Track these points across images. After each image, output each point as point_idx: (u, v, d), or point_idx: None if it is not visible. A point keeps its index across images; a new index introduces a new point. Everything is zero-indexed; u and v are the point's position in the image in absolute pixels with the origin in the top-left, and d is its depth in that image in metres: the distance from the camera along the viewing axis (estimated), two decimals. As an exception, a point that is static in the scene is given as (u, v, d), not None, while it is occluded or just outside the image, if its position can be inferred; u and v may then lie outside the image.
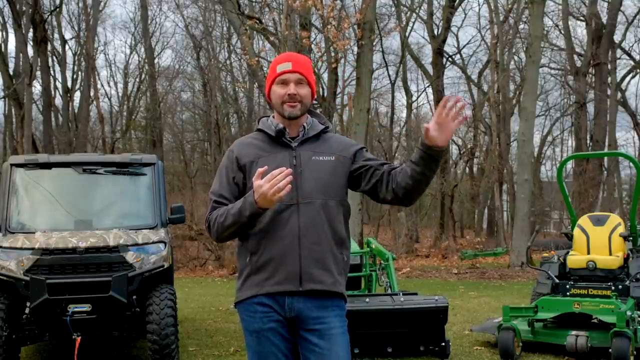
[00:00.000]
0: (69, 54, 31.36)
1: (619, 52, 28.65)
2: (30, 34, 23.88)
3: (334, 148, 2.80)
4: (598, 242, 7.52)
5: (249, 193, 2.58)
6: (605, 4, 27.48)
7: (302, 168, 2.71)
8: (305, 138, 2.78)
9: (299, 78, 2.73)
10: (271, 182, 2.47)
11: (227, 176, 2.76)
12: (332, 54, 21.61)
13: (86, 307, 5.87)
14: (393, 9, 29.69)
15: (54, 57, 29.67)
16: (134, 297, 6.15)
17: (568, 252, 7.62)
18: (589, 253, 7.50)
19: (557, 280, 7.35)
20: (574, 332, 6.40)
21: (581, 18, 28.83)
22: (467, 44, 49.79)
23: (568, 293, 7.16)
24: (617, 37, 28.10)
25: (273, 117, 2.85)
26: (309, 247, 2.65)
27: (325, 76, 24.61)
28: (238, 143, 2.84)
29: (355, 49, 18.34)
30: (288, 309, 2.67)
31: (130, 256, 6.06)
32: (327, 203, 2.71)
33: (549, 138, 35.47)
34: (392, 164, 2.80)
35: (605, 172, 27.31)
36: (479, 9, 49.08)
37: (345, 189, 2.81)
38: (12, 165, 6.68)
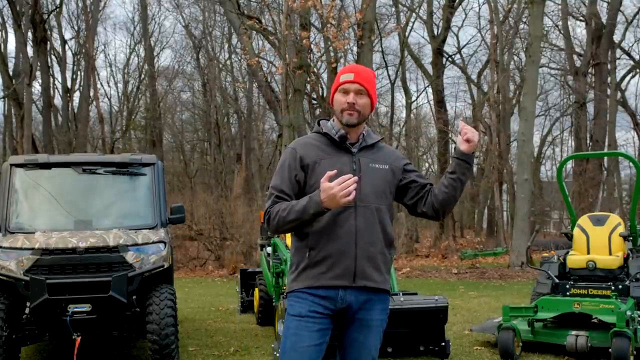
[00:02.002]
0: (69, 54, 31.38)
1: (618, 52, 28.69)
2: (30, 34, 23.86)
3: (388, 158, 3.03)
4: (598, 242, 7.51)
5: (315, 193, 2.73)
6: (605, 4, 27.51)
7: (362, 174, 2.89)
8: (363, 145, 2.98)
9: (359, 89, 2.92)
10: (341, 185, 2.65)
11: (289, 173, 2.91)
12: (332, 54, 21.61)
13: (86, 307, 5.86)
14: (393, 9, 29.73)
15: (54, 57, 29.65)
16: (134, 297, 6.14)
17: (568, 252, 7.61)
18: (588, 253, 7.50)
19: (557, 280, 7.34)
20: (574, 332, 6.39)
21: (581, 18, 28.84)
22: (467, 44, 49.88)
23: (568, 293, 7.16)
24: (616, 37, 28.16)
25: (334, 120, 3.02)
26: (364, 247, 2.86)
27: (325, 76, 24.62)
28: (300, 143, 3.00)
29: (355, 49, 18.35)
30: (340, 301, 2.87)
31: (130, 256, 6.05)
32: (380, 208, 2.93)
33: (549, 138, 35.48)
34: (433, 184, 3.07)
35: (605, 172, 27.33)
36: (479, 9, 49.01)
37: (393, 196, 3.05)
38: (12, 165, 6.66)
